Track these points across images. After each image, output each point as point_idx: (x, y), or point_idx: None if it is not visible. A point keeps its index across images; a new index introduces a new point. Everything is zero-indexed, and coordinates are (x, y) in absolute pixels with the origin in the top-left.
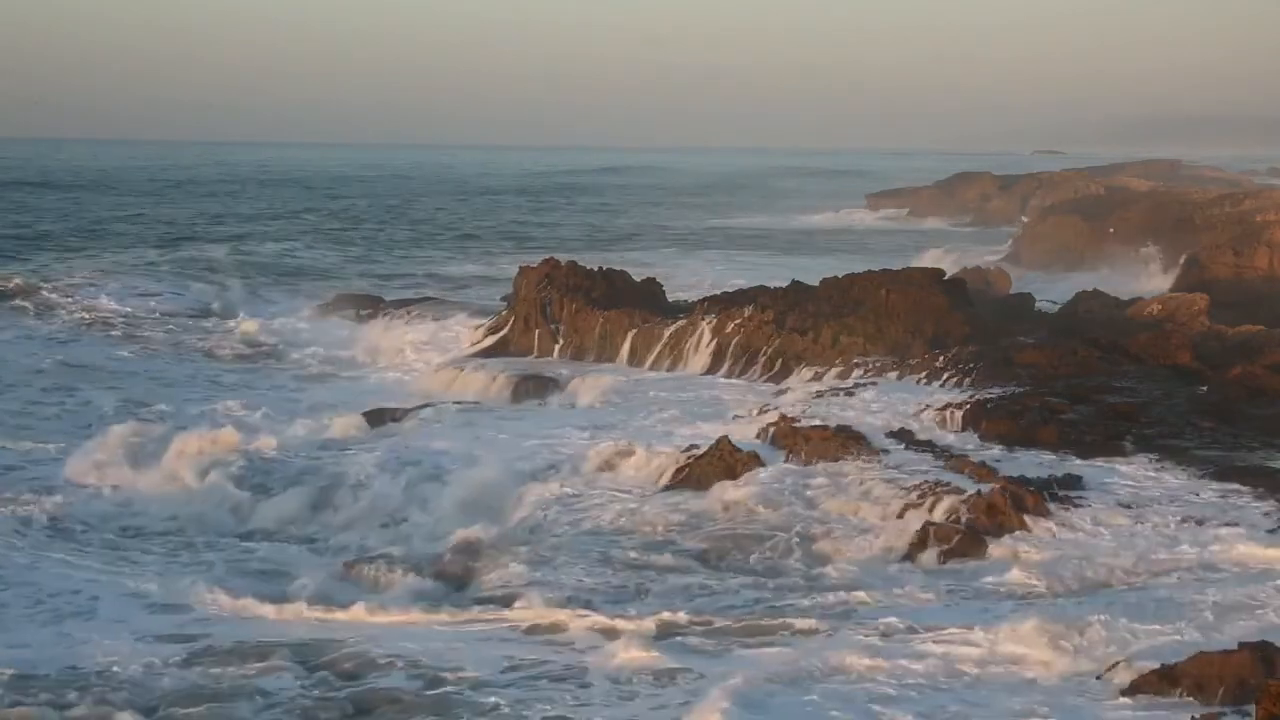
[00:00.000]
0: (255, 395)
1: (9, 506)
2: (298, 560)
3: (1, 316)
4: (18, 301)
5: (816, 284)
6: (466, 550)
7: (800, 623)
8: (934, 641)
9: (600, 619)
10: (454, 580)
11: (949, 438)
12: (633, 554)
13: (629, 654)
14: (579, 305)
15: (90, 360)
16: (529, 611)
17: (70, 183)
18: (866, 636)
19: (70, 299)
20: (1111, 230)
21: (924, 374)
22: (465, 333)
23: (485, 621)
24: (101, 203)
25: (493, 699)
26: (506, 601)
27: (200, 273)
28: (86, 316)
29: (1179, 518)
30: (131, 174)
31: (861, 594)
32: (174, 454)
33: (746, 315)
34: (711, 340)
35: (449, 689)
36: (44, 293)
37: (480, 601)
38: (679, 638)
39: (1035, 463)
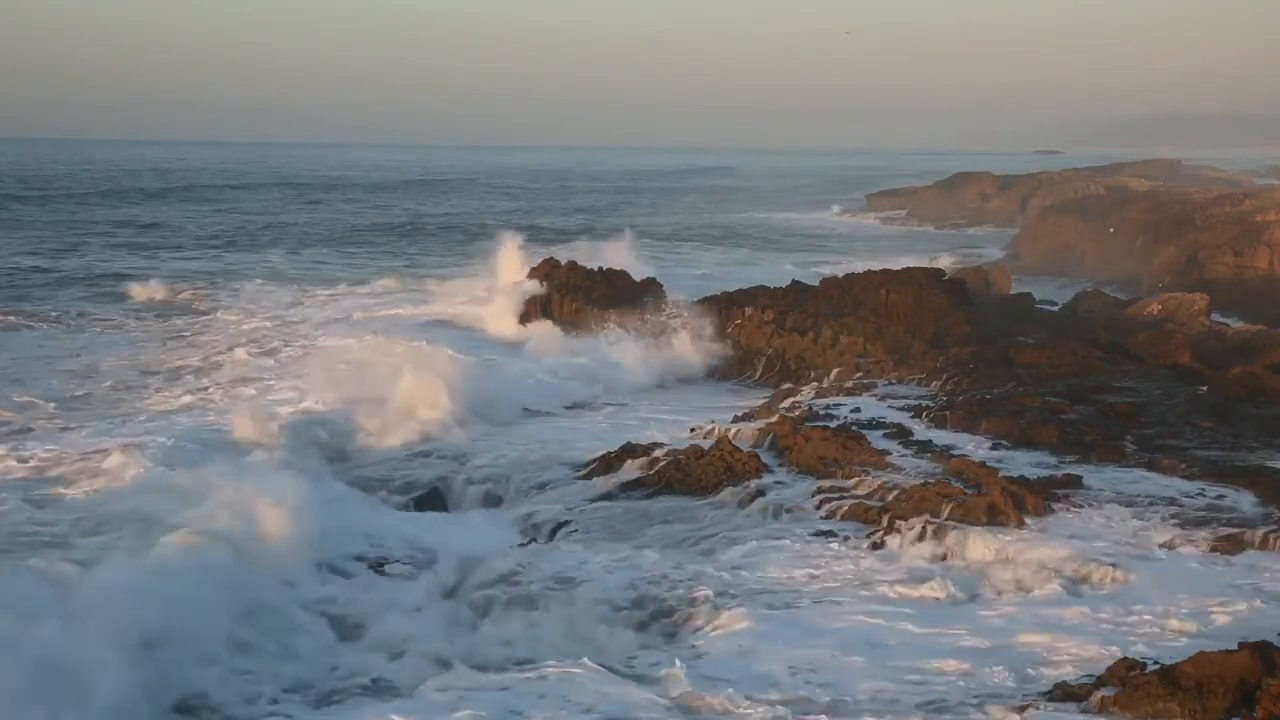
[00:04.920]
0: None
1: None
2: None
3: None
4: None
5: (817, 284)
6: None
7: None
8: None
9: None
10: None
11: (949, 438)
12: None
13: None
14: (579, 305)
15: None
16: None
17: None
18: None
19: None
20: (1112, 230)
21: (924, 374)
22: None
23: None
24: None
25: None
26: None
27: None
28: None
29: (1178, 518)
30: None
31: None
32: None
33: (747, 315)
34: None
35: None
36: None
37: None
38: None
39: (1035, 463)
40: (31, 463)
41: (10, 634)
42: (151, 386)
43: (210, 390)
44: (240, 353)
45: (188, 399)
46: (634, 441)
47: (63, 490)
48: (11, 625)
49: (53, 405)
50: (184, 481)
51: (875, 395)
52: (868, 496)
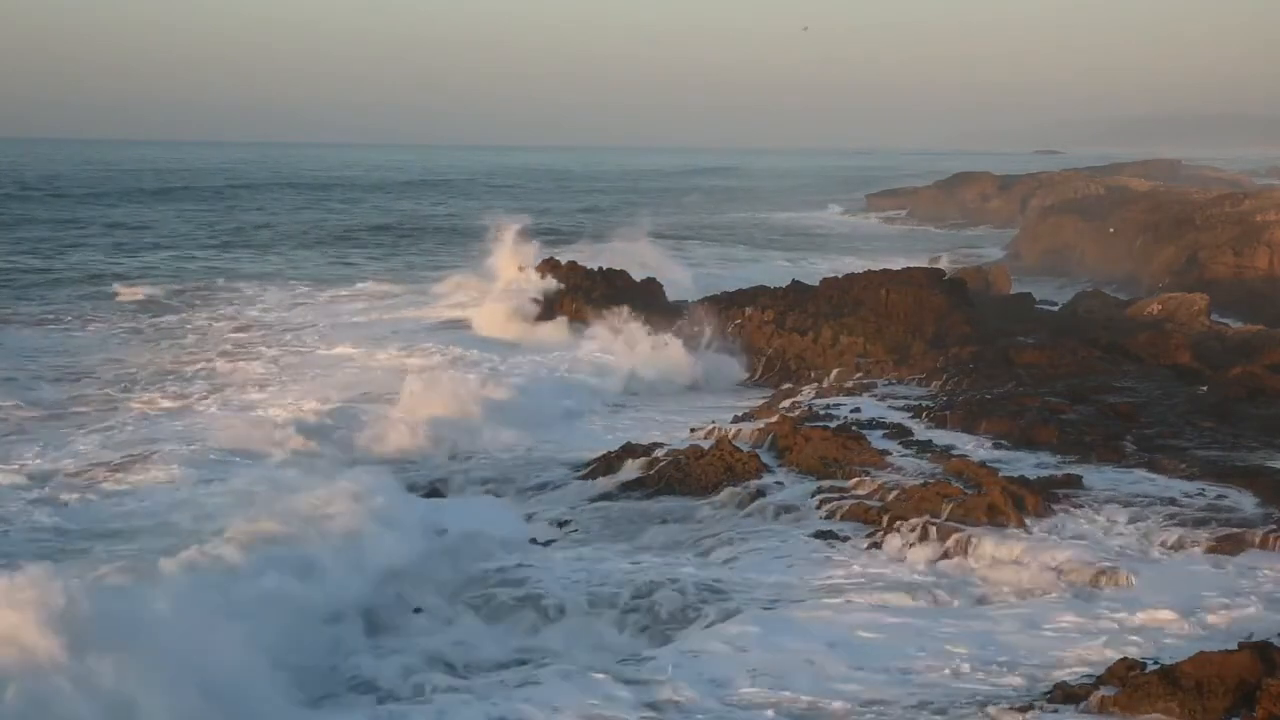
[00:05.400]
0: None
1: None
2: None
3: None
4: None
5: (817, 284)
6: None
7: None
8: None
9: None
10: None
11: (949, 438)
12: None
13: None
14: (579, 305)
15: None
16: None
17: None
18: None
19: None
20: (1112, 230)
21: (924, 374)
22: None
23: None
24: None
25: None
26: None
27: None
28: None
29: (1178, 518)
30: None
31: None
32: None
33: (747, 315)
34: (711, 340)
35: None
36: None
37: None
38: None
39: (1035, 463)
40: (31, 469)
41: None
42: (150, 389)
43: (210, 394)
44: (240, 354)
45: (186, 402)
46: (634, 441)
47: (67, 497)
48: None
49: (48, 409)
50: (213, 489)
51: (875, 395)
52: (868, 496)
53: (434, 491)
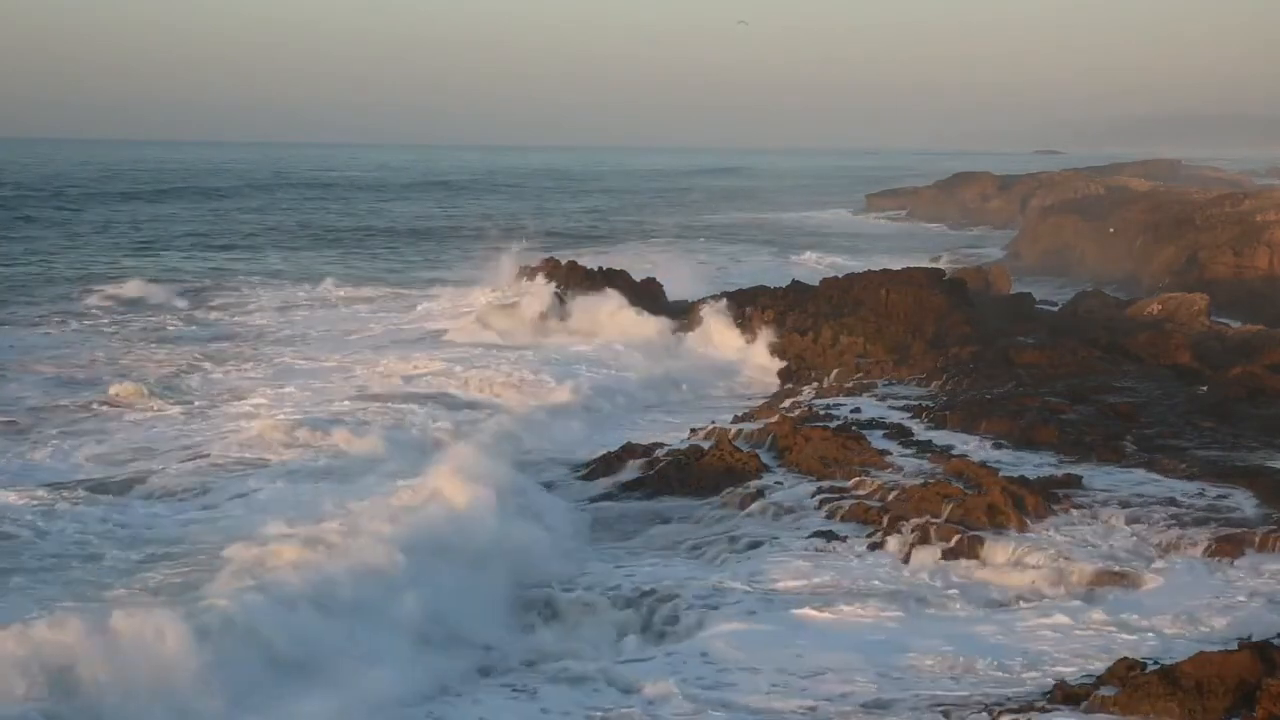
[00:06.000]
0: None
1: None
2: None
3: None
4: None
5: (817, 284)
6: None
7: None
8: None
9: None
10: None
11: (949, 438)
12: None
13: None
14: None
15: None
16: None
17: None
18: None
19: None
20: (1112, 230)
21: (924, 374)
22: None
23: None
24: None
25: None
26: None
27: None
28: None
29: (1178, 518)
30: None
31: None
32: None
33: (747, 315)
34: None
35: None
36: None
37: None
38: None
39: (1035, 463)
40: (33, 474)
41: None
42: (147, 391)
43: (207, 397)
44: (237, 357)
45: (184, 406)
46: (634, 441)
47: (68, 505)
48: None
49: (44, 411)
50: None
51: (875, 395)
52: (868, 496)
53: None
